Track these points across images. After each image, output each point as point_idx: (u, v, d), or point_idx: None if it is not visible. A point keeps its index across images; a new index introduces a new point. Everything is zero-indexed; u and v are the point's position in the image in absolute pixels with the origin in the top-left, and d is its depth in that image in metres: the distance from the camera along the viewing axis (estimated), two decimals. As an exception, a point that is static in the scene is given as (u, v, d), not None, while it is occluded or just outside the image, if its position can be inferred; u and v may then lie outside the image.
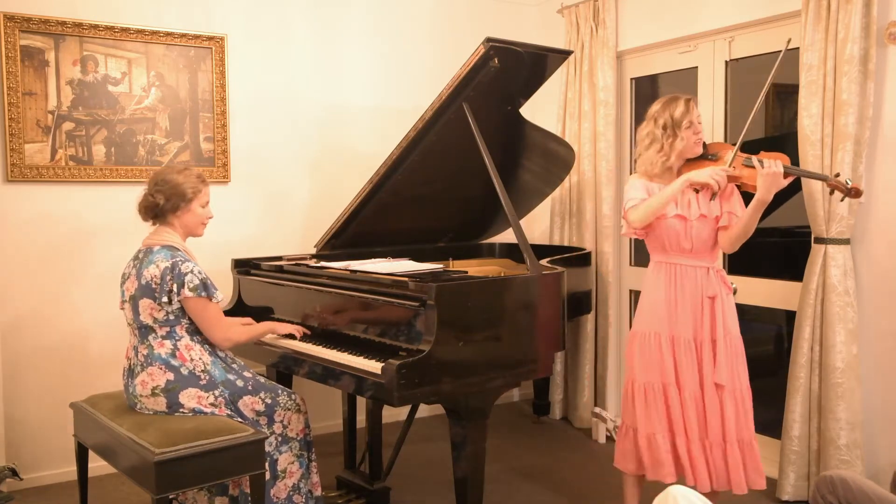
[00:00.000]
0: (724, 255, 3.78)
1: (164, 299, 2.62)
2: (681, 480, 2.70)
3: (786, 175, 2.62)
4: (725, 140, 3.79)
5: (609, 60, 4.21)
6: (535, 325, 2.82)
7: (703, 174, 2.69)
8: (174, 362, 2.65)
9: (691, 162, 2.81)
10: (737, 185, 2.76)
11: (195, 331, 2.73)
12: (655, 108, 2.82)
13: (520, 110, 3.46)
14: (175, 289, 2.62)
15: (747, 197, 2.74)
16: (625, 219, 2.86)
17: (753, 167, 2.64)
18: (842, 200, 2.78)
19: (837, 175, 2.73)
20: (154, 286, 2.63)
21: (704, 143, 2.83)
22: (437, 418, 4.39)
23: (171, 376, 2.63)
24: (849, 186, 2.62)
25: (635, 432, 2.85)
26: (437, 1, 4.57)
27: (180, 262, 2.64)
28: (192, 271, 2.64)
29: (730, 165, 2.67)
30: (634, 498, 2.97)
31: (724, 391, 2.74)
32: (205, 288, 2.65)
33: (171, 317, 2.66)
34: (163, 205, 2.72)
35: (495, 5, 4.77)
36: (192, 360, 2.67)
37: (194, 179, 2.77)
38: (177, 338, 2.68)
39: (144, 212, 2.77)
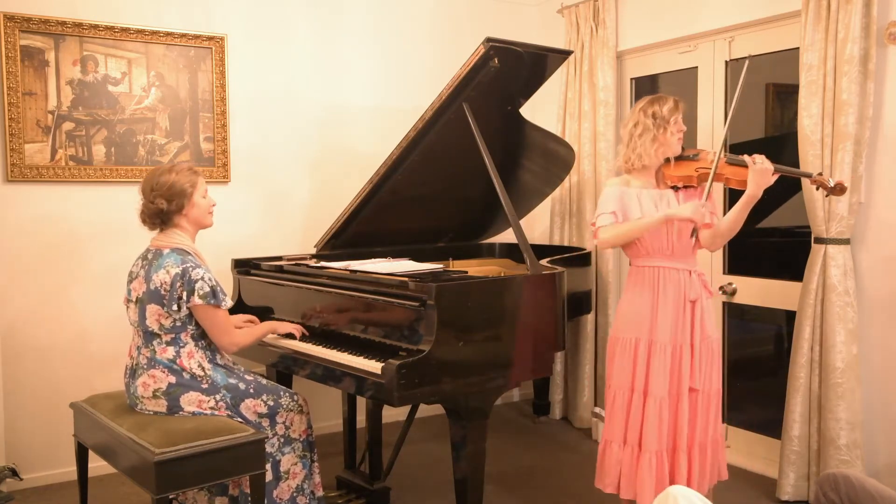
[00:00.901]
0: (724, 255, 3.78)
1: (174, 307, 2.59)
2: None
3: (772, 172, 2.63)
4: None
5: (609, 60, 4.21)
6: (536, 325, 2.82)
7: (686, 210, 2.65)
8: (176, 367, 2.64)
9: (671, 162, 2.79)
10: (722, 183, 2.76)
11: (200, 336, 2.71)
12: (642, 103, 2.81)
13: (520, 110, 3.46)
14: (185, 296, 2.59)
15: (734, 195, 2.73)
16: (595, 235, 2.83)
17: (737, 165, 2.66)
18: (826, 196, 2.79)
19: (820, 173, 2.74)
20: (163, 293, 2.60)
21: (682, 147, 2.84)
22: (437, 418, 4.38)
23: (173, 379, 2.63)
24: (832, 185, 2.62)
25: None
26: (437, 1, 4.57)
27: (191, 269, 2.61)
28: (202, 278, 2.60)
29: (715, 164, 2.66)
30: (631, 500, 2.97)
31: (697, 395, 2.74)
32: (214, 295, 2.62)
33: (178, 323, 2.64)
34: (167, 208, 2.67)
35: (495, 5, 4.77)
36: (191, 368, 2.65)
37: (186, 173, 2.72)
38: (181, 344, 2.66)
39: (150, 219, 2.72)
